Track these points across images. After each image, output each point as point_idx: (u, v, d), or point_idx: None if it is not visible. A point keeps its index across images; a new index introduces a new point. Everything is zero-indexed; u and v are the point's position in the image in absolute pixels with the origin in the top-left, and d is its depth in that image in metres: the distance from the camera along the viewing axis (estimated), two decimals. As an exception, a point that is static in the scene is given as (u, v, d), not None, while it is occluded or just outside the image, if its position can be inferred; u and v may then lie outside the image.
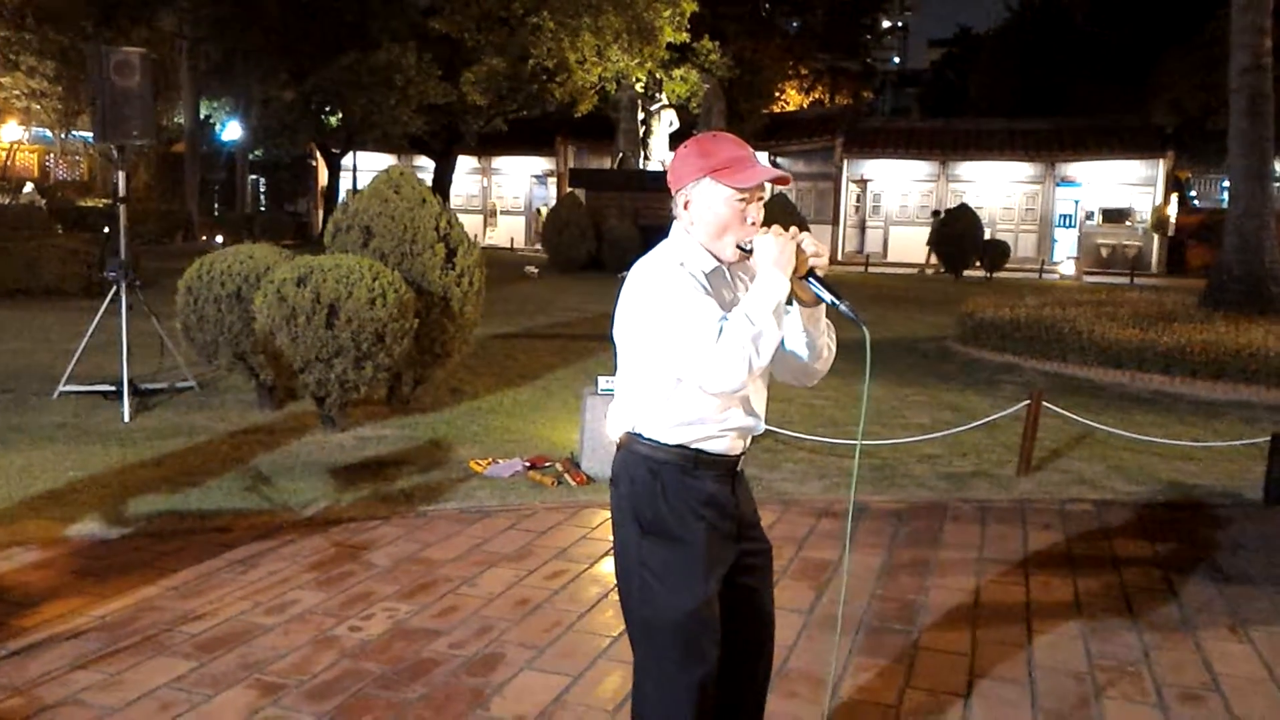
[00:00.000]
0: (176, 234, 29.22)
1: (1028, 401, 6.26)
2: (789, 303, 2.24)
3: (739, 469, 2.34)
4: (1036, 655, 3.69)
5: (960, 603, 4.19)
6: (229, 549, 4.53)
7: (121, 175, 7.14)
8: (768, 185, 2.26)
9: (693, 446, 2.24)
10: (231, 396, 7.49)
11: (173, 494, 5.27)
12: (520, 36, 22.79)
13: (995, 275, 23.47)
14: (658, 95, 23.41)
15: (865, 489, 5.81)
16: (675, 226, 2.30)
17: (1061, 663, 3.64)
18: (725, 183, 2.20)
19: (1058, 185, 30.09)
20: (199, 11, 26.09)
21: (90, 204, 29.25)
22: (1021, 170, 30.16)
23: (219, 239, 26.42)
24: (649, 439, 2.25)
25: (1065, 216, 30.26)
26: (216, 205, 37.74)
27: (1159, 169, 28.60)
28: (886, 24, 55.83)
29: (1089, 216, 29.58)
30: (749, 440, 2.35)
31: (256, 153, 34.90)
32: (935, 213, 27.98)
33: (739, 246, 2.23)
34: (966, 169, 30.60)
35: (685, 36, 23.52)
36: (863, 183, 31.39)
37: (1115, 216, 29.13)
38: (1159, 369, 9.12)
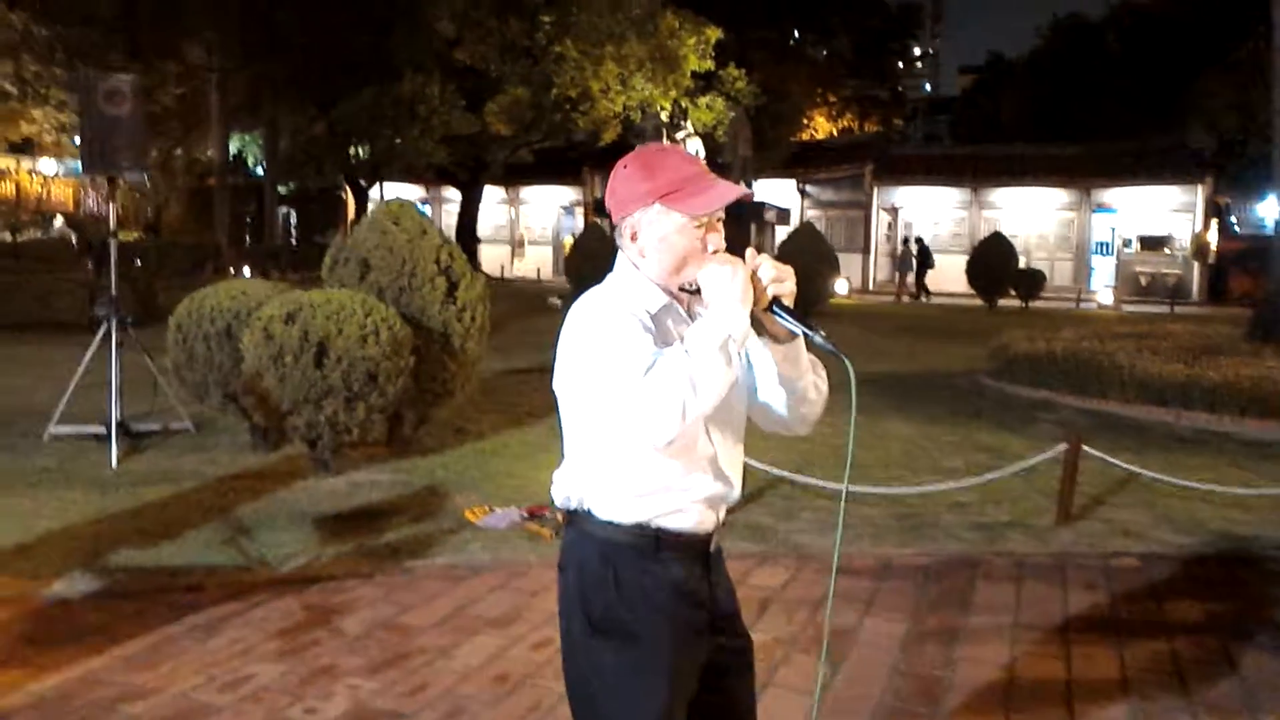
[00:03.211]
0: (206, 266, 29.31)
1: (1066, 446, 5.81)
2: (780, 340, 1.90)
3: (712, 548, 1.96)
4: (1079, 746, 3.26)
5: (992, 679, 3.75)
6: (193, 611, 4.18)
7: (111, 208, 6.88)
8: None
9: (653, 525, 1.87)
10: (226, 438, 7.19)
11: (146, 548, 4.95)
12: (543, 66, 22.67)
13: (1030, 304, 22.92)
14: (683, 124, 23.18)
15: (890, 541, 5.38)
16: (620, 259, 1.95)
17: (1108, 756, 3.20)
18: (678, 208, 1.85)
19: (1094, 212, 29.51)
20: (226, 44, 26.22)
21: (124, 237, 29.41)
22: (1056, 197, 29.61)
23: (246, 270, 26.42)
24: (600, 517, 1.88)
25: (1102, 244, 29.65)
26: (247, 237, 37.93)
27: (1198, 194, 27.94)
28: (917, 51, 55.50)
29: (1127, 244, 28.93)
30: (722, 512, 1.97)
31: (288, 186, 35.05)
32: (907, 240, 27.90)
33: (682, 288, 1.89)
34: (999, 196, 30.10)
35: (710, 64, 23.29)
36: (894, 211, 30.95)
37: (1154, 244, 28.45)
38: (1205, 406, 8.60)
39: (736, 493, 1.97)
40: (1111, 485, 6.54)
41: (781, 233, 22.10)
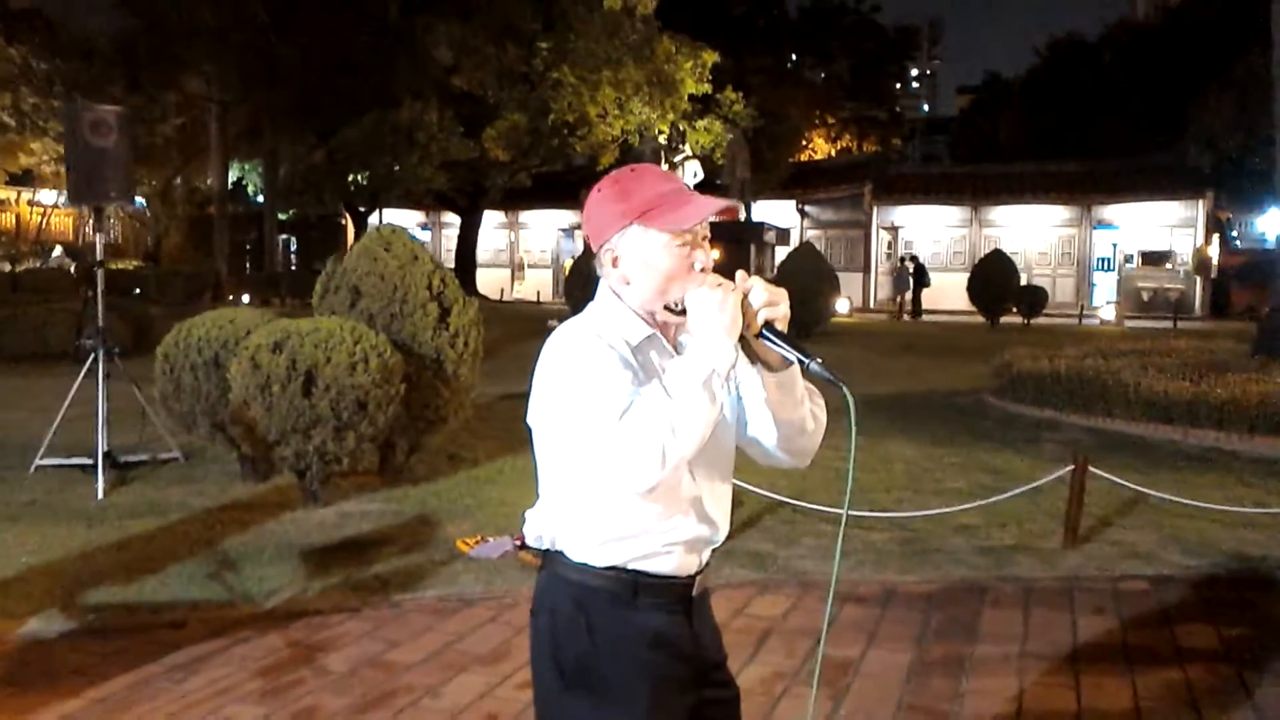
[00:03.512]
0: (205, 294, 29.26)
1: (1072, 466, 5.68)
2: (773, 368, 1.79)
3: (696, 593, 1.83)
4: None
5: (1001, 712, 3.61)
6: (174, 650, 4.05)
7: (99, 238, 6.79)
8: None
9: (630, 568, 1.75)
10: (216, 468, 7.06)
11: (129, 583, 4.82)
12: (541, 91, 22.70)
13: (1033, 321, 22.80)
14: (681, 146, 23.18)
15: (893, 567, 5.24)
16: (600, 288, 1.84)
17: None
18: (658, 226, 1.73)
19: (1094, 228, 29.46)
20: (226, 75, 26.28)
21: (121, 266, 29.44)
22: (1056, 214, 29.58)
23: (245, 298, 26.36)
24: (573, 560, 1.76)
25: (1103, 260, 29.58)
26: (247, 265, 37.92)
27: (1198, 209, 27.90)
28: (914, 72, 55.68)
29: (1128, 260, 28.85)
30: (706, 555, 1.85)
31: (288, 214, 35.07)
32: (903, 259, 27.96)
33: (668, 308, 1.76)
34: (999, 214, 30.06)
35: (707, 88, 23.31)
36: (894, 230, 30.91)
37: (1155, 259, 28.37)
38: (1213, 424, 8.46)
39: (722, 534, 1.85)
40: (1119, 506, 6.39)
41: (781, 253, 22.03)
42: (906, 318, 26.13)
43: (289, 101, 24.26)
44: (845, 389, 1.71)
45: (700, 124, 23.88)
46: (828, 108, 39.47)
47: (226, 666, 3.90)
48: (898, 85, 51.14)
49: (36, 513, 5.99)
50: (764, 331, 1.73)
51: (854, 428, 1.74)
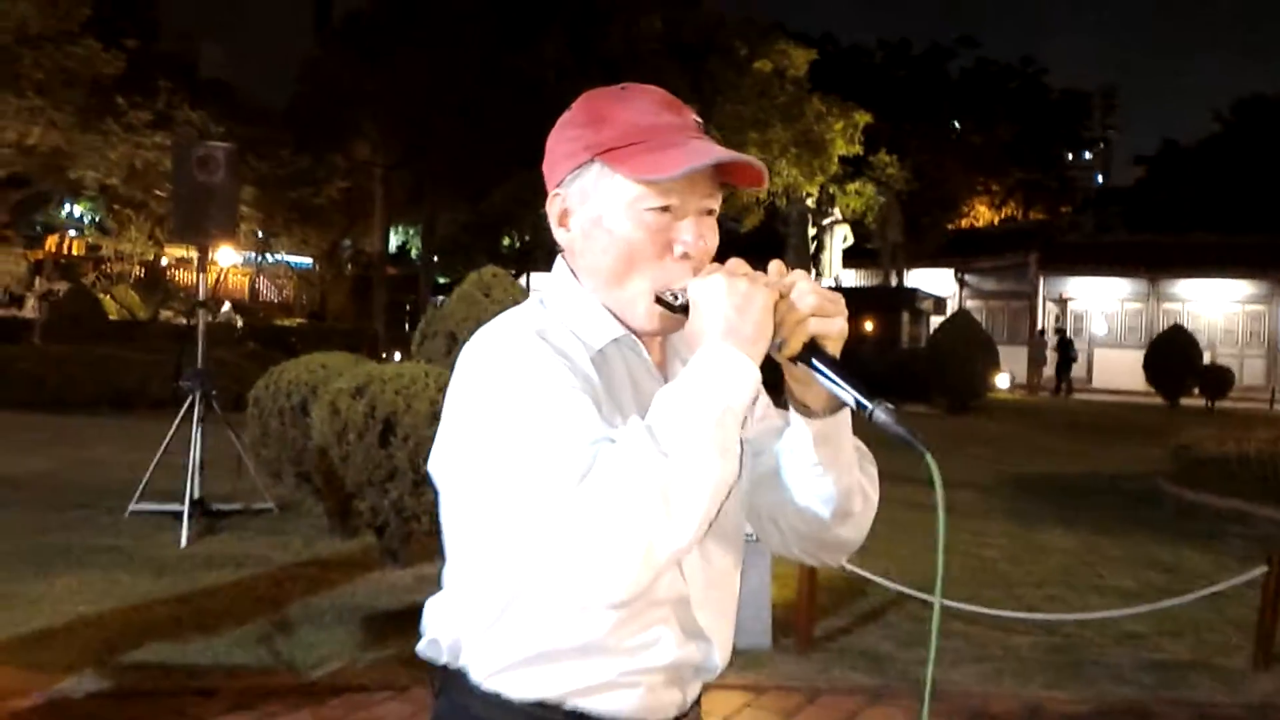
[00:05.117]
0: (360, 350, 30.12)
1: (1265, 567, 4.69)
2: (813, 411, 1.18)
3: None
4: None
5: None
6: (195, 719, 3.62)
7: (202, 278, 6.69)
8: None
9: (567, 706, 1.14)
10: (307, 522, 6.75)
11: (175, 641, 4.47)
12: (685, 151, 22.50)
13: (1217, 404, 20.90)
14: (830, 210, 22.50)
15: (1040, 680, 4.38)
16: (558, 264, 1.25)
17: None
18: (627, 171, 1.14)
19: (1288, 305, 27.10)
20: (388, 140, 27.27)
21: (287, 323, 30.77)
22: (1241, 289, 27.37)
23: (398, 355, 27.00)
24: (479, 686, 1.17)
25: (1298, 339, 27.12)
26: (406, 324, 39.15)
27: None
28: (1086, 139, 53.43)
29: (1327, 339, 26.33)
30: (695, 689, 1.22)
31: (446, 275, 36.05)
32: (1042, 331, 26.35)
33: (659, 299, 1.16)
34: (1180, 287, 28.05)
35: (858, 149, 22.64)
36: (1062, 302, 29.22)
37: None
38: None
39: (720, 658, 1.22)
40: (1328, 620, 5.29)
41: (937, 323, 20.96)
42: (1045, 393, 24.51)
43: (445, 165, 24.90)
44: (927, 454, 1.08)
45: (851, 187, 23.16)
46: (991, 174, 38.00)
47: (238, 748, 3.43)
48: (1069, 154, 48.89)
49: (112, 559, 5.77)
50: (809, 353, 1.12)
51: (942, 506, 1.10)
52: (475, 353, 1.16)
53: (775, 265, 1.15)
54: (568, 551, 1.00)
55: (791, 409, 1.18)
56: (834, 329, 1.12)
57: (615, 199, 1.15)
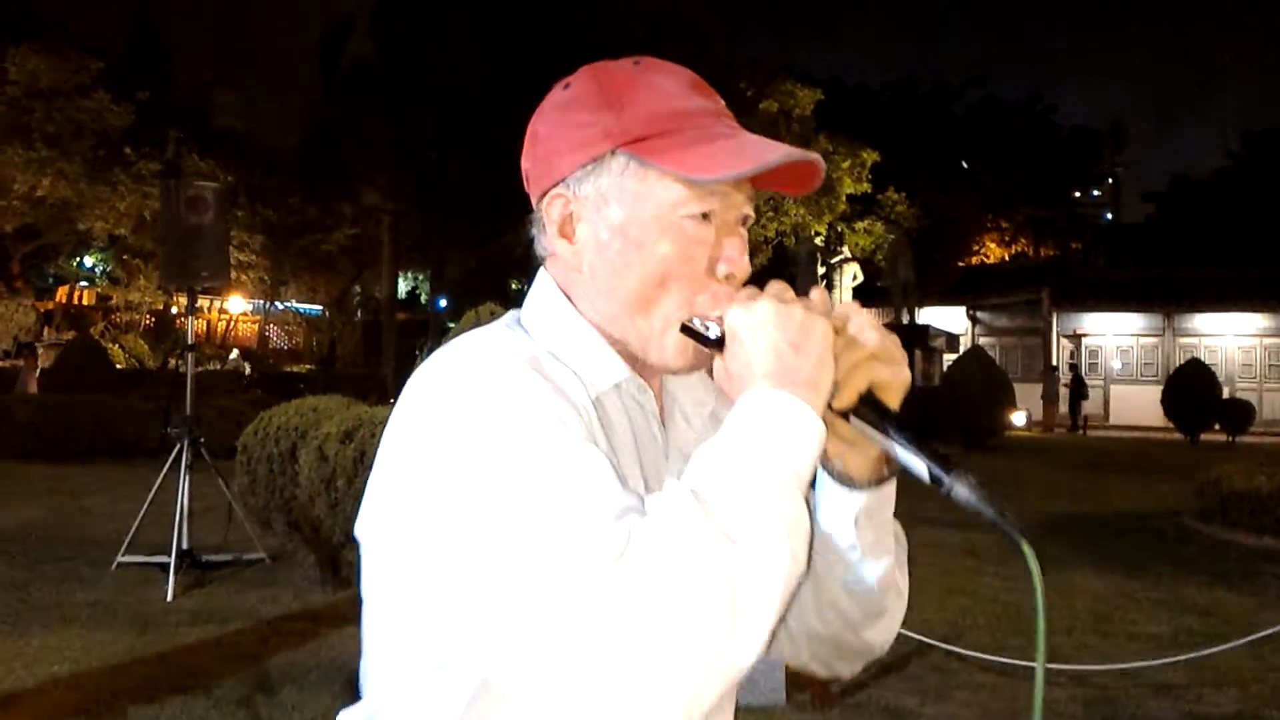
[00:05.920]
0: (370, 397, 29.99)
1: (1314, 612, 4.38)
2: (858, 482, 0.95)
3: None
4: None
5: None
6: (157, 796, 3.35)
7: (191, 321, 6.46)
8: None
9: None
10: (299, 573, 6.46)
11: (151, 704, 4.21)
12: (694, 193, 22.48)
13: (1238, 439, 20.49)
14: (839, 249, 22.32)
15: (1072, 735, 4.07)
16: (538, 281, 1.00)
17: None
18: (671, 166, 0.90)
19: (1308, 338, 26.73)
20: (397, 187, 27.33)
21: (296, 369, 30.71)
22: (1258, 322, 27.02)
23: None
24: None
25: (1319, 372, 26.71)
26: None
27: None
28: (1095, 176, 53.33)
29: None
30: None
31: (455, 322, 36.06)
32: (1055, 367, 25.98)
33: (687, 328, 0.92)
34: (1196, 321, 27.71)
35: (866, 187, 22.51)
36: (1076, 338, 28.90)
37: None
38: None
39: None
40: (1379, 666, 4.97)
41: (950, 361, 20.67)
42: (1061, 430, 24.16)
43: (453, 210, 24.88)
44: (1021, 539, 0.82)
45: (860, 225, 23.00)
46: (1000, 211, 37.85)
47: (203, 825, 3.15)
48: (1077, 192, 48.76)
49: (95, 615, 5.52)
50: (866, 406, 0.88)
51: (1040, 610, 0.86)
52: (441, 382, 0.87)
53: (817, 293, 0.90)
54: (590, 669, 0.72)
55: (826, 476, 0.93)
56: (899, 377, 0.87)
57: (646, 203, 0.91)
